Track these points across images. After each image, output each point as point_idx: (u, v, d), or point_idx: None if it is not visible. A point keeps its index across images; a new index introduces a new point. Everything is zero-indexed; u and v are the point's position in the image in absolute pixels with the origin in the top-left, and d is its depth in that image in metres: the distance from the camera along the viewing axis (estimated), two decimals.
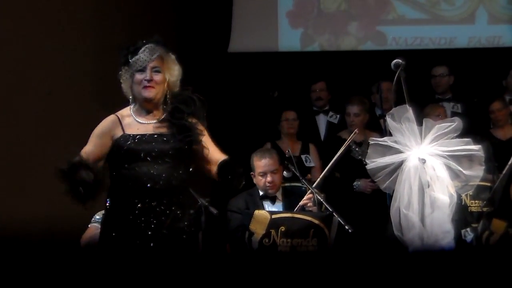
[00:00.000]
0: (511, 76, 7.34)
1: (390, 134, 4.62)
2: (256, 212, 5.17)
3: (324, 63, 8.15)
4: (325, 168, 6.62)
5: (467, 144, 4.54)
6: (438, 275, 3.26)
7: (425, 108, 6.57)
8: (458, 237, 5.18)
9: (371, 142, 4.68)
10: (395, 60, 4.84)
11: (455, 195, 4.54)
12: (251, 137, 7.14)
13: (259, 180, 5.59)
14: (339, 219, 5.00)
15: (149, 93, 3.99)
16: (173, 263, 3.79)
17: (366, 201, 6.30)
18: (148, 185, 3.90)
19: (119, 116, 4.05)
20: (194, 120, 4.03)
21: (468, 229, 5.40)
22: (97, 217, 5.15)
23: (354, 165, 6.40)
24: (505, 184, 5.17)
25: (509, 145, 6.49)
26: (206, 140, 4.06)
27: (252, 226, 5.06)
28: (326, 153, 6.71)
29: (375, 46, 8.29)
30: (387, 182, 4.58)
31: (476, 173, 4.52)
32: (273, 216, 5.09)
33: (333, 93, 7.54)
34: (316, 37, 8.39)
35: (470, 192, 5.18)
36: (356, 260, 3.31)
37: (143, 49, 3.99)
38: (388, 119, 4.62)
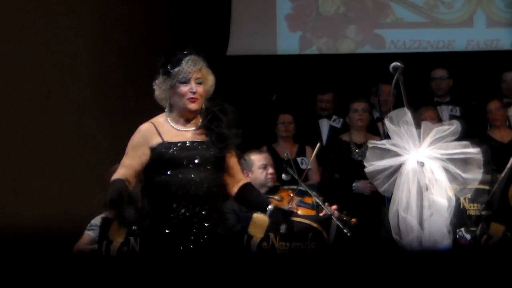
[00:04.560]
0: (503, 81, 7.36)
1: (388, 137, 4.61)
2: (255, 215, 5.15)
3: (322, 66, 8.15)
4: (323, 170, 6.64)
5: (465, 147, 4.53)
6: (436, 277, 3.26)
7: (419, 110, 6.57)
8: (455, 240, 5.18)
9: (370, 145, 4.67)
10: (393, 63, 4.83)
11: (453, 198, 4.53)
12: (248, 140, 7.13)
13: (259, 174, 5.53)
14: (338, 222, 4.99)
15: (194, 106, 4.05)
16: (213, 268, 3.79)
17: (366, 202, 6.30)
18: (192, 191, 3.95)
19: (155, 124, 4.06)
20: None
21: (463, 229, 5.40)
22: (93, 223, 5.14)
23: (353, 166, 6.41)
24: (504, 188, 5.17)
25: (507, 148, 6.49)
26: (234, 154, 4.21)
27: (251, 230, 5.05)
28: (327, 156, 6.70)
29: (374, 49, 8.30)
30: (386, 185, 4.57)
31: (475, 176, 4.51)
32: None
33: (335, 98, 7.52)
34: (314, 40, 8.40)
35: (469, 196, 5.18)
36: (355, 262, 3.31)
37: (186, 60, 4.03)
38: (387, 122, 4.60)
